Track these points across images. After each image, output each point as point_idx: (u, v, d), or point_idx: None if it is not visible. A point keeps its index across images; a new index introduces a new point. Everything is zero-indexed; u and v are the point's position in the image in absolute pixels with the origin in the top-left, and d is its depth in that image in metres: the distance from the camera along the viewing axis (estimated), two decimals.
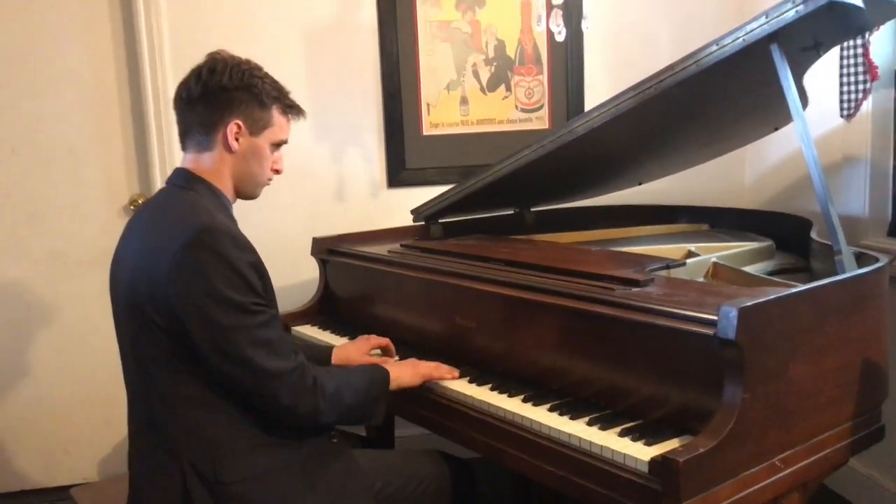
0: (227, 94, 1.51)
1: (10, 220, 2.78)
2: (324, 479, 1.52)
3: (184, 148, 1.58)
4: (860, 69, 2.38)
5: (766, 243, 2.17)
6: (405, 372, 1.69)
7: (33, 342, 2.85)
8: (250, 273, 1.42)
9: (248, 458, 1.45)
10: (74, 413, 2.90)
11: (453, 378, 1.73)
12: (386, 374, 1.64)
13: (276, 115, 1.57)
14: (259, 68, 1.57)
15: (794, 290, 1.42)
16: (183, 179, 1.55)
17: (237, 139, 1.53)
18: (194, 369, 1.43)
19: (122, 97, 2.80)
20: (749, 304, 1.29)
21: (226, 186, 1.57)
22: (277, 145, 1.60)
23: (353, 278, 2.30)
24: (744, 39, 1.62)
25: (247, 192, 1.61)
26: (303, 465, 1.51)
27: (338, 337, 2.14)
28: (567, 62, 2.97)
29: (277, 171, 1.63)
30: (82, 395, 2.88)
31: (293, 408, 1.46)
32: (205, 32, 2.75)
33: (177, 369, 1.43)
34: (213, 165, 1.54)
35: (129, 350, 1.51)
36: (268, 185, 1.64)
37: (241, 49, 2.72)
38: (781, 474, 1.35)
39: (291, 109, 1.60)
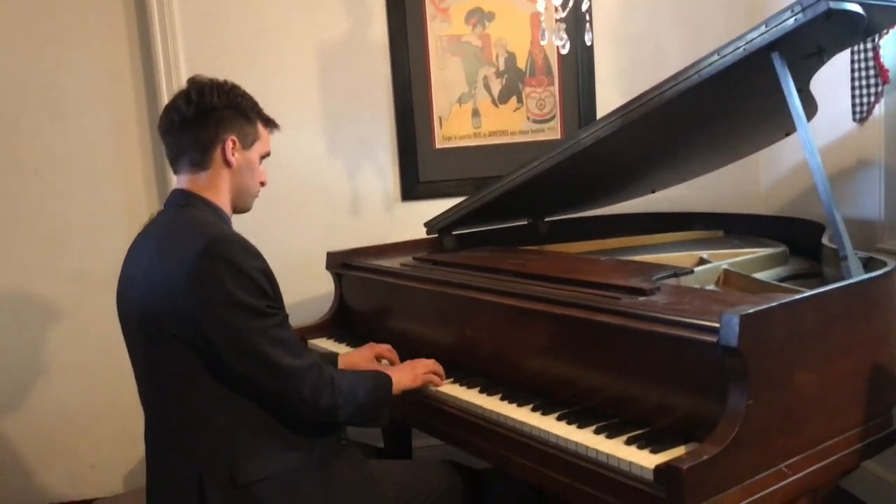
0: (218, 113, 1.58)
1: (34, 239, 2.86)
2: (337, 482, 1.56)
3: (176, 171, 1.64)
4: (871, 72, 2.36)
5: (779, 249, 2.16)
6: (405, 376, 1.76)
7: (58, 359, 2.92)
8: (262, 278, 1.48)
9: (264, 461, 1.49)
10: (99, 428, 2.96)
11: (443, 383, 1.81)
12: (388, 379, 1.69)
13: (260, 128, 1.67)
14: (238, 86, 1.65)
15: (797, 296, 1.42)
16: (182, 198, 1.60)
17: (233, 154, 1.60)
18: (212, 376, 1.47)
19: (141, 119, 2.87)
20: (751, 311, 1.29)
21: (223, 202, 1.62)
22: (263, 157, 1.69)
23: (367, 291, 2.33)
24: (744, 49, 1.63)
25: (242, 204, 1.68)
26: (316, 468, 1.55)
27: (353, 350, 2.17)
28: (578, 72, 2.99)
29: (263, 184, 1.71)
30: (107, 411, 2.94)
31: (315, 403, 1.50)
32: (220, 55, 2.81)
33: (194, 378, 1.47)
34: (211, 182, 1.60)
35: (144, 366, 1.55)
36: (257, 197, 1.71)
37: (256, 69, 2.82)
38: (789, 480, 1.34)
39: (270, 122, 1.70)
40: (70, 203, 2.86)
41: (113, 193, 2.89)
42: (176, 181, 1.65)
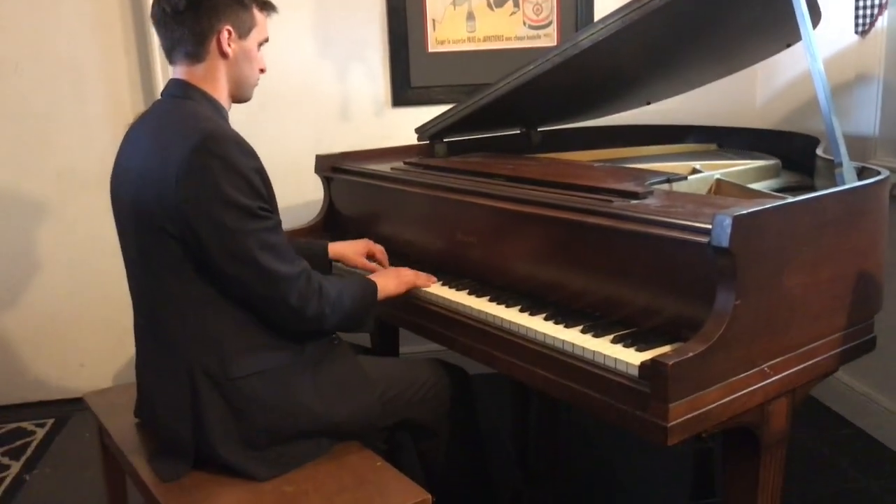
0: (211, 2, 1.52)
1: (16, 135, 2.80)
2: (328, 377, 1.58)
3: (172, 62, 1.59)
4: None
5: (771, 161, 2.16)
6: (390, 282, 1.75)
7: (46, 258, 2.91)
8: (256, 178, 1.45)
9: (255, 357, 1.51)
10: (89, 327, 2.98)
11: (432, 284, 1.80)
12: (374, 285, 1.69)
13: (256, 14, 1.61)
14: None
15: (790, 200, 1.41)
16: (180, 89, 1.56)
17: (229, 45, 1.55)
18: (202, 273, 1.46)
19: (125, 13, 2.77)
20: (744, 212, 1.29)
21: (221, 94, 1.58)
22: (261, 45, 1.64)
23: (357, 195, 2.31)
24: None
25: (242, 95, 1.64)
26: (307, 364, 1.56)
27: (347, 242, 2.15)
28: None
29: (263, 71, 1.66)
30: (96, 310, 2.96)
31: (301, 311, 1.49)
32: None
33: (185, 273, 1.46)
34: (208, 74, 1.56)
35: (135, 258, 1.55)
36: (257, 85, 1.66)
37: None
38: (770, 380, 1.37)
39: (267, 5, 1.64)
40: (53, 99, 2.79)
41: (97, 89, 2.81)
42: (172, 71, 1.60)
